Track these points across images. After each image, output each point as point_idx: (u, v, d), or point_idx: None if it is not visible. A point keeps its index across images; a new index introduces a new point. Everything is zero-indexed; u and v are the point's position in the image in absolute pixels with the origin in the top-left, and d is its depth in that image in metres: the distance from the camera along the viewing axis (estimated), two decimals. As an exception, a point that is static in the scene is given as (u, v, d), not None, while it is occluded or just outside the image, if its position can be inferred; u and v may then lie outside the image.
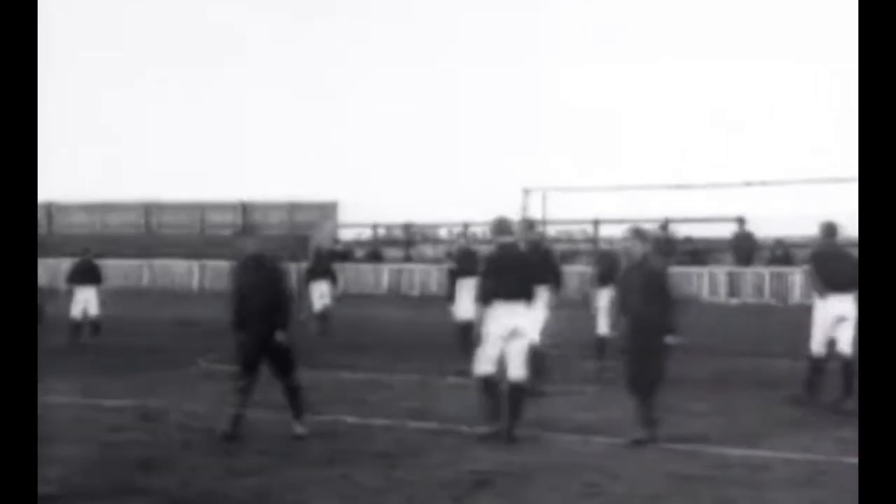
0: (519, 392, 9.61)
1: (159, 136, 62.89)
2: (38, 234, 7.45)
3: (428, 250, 40.99)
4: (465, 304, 16.39)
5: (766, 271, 29.80)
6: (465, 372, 11.03)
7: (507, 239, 9.89)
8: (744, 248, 30.92)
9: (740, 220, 31.40)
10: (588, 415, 10.93)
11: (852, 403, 9.86)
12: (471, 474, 8.17)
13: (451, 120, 64.99)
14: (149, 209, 41.86)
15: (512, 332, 9.53)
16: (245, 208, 40.66)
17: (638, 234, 9.93)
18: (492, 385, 9.62)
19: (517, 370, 9.59)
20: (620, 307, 9.77)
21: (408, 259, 38.12)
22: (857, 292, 9.79)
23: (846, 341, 11.41)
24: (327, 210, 39.85)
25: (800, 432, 9.99)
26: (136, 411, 10.87)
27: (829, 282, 11.55)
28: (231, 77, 65.16)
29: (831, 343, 11.67)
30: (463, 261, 16.91)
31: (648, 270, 9.65)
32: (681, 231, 33.37)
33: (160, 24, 65.46)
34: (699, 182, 32.05)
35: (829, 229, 11.81)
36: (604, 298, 14.06)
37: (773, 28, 58.29)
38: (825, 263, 11.67)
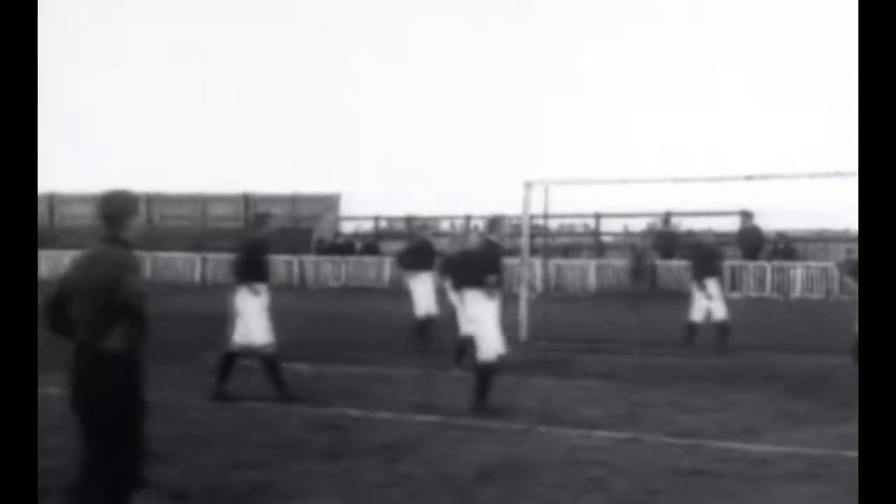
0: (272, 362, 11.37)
1: (161, 127, 62.88)
2: (40, 226, 7.45)
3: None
4: None
5: (767, 265, 29.73)
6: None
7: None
8: (750, 241, 30.84)
9: (745, 214, 31.29)
10: (590, 409, 10.95)
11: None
12: (473, 468, 8.19)
13: (453, 112, 65.03)
14: (150, 201, 41.78)
15: None
16: (247, 200, 40.60)
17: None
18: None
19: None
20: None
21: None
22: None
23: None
24: (330, 202, 39.76)
25: (801, 427, 10.00)
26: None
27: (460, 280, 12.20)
28: (233, 69, 65.17)
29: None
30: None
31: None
32: (683, 225, 33.32)
33: (167, 19, 65.46)
34: (701, 175, 31.89)
35: (492, 224, 11.80)
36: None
37: (768, 27, 58.23)
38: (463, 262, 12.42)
